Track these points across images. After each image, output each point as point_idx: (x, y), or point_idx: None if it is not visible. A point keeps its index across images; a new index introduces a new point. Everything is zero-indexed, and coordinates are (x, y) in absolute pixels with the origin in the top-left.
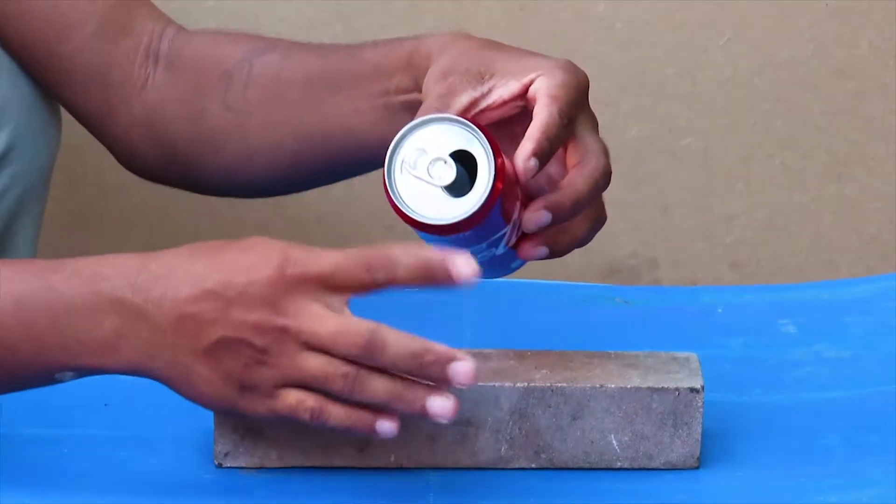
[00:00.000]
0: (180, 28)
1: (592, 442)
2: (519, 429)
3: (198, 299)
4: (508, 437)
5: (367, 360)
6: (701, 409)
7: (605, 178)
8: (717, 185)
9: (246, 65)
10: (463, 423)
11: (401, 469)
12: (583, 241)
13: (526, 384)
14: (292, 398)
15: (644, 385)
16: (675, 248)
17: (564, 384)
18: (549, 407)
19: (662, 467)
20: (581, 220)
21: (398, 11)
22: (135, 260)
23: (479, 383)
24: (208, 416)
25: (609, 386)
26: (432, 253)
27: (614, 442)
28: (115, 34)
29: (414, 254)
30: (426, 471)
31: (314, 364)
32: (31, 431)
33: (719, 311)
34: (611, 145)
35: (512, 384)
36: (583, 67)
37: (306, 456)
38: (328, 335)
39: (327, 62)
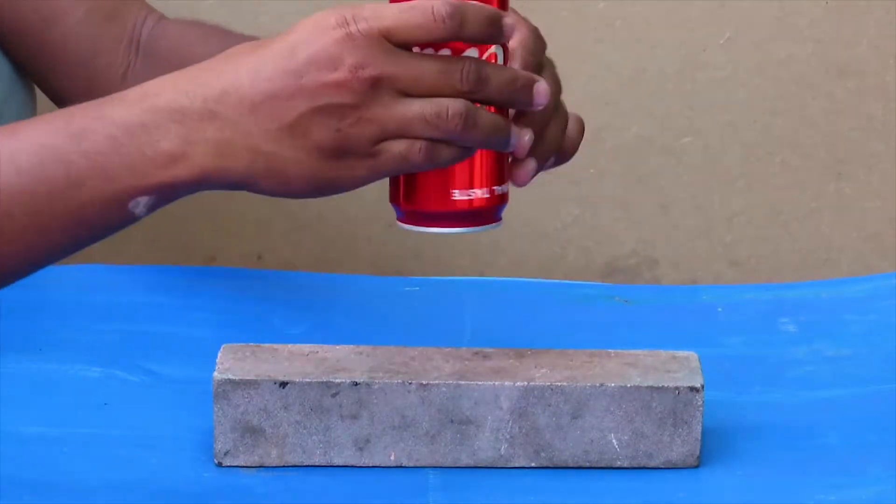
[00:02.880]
0: (161, 17)
1: (592, 441)
2: (519, 428)
3: (266, 81)
4: (508, 437)
5: (473, 94)
6: (701, 408)
7: (536, 43)
8: (717, 183)
9: None
10: (463, 421)
11: (401, 468)
12: (560, 146)
13: (526, 383)
14: (400, 146)
15: (644, 384)
16: (674, 247)
17: (564, 383)
18: (549, 406)
19: (662, 466)
20: (551, 126)
21: None
22: (179, 73)
23: (480, 382)
24: (208, 416)
25: (609, 385)
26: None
27: (614, 441)
28: (102, 20)
29: (488, 10)
30: (426, 470)
31: (421, 108)
32: (31, 431)
33: (719, 310)
34: (610, 144)
35: (512, 383)
36: (582, 66)
37: (306, 455)
38: (433, 75)
39: None
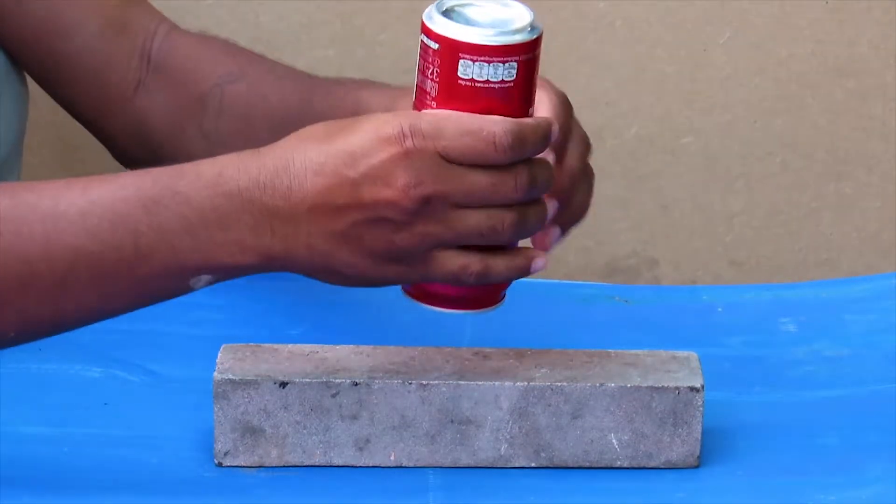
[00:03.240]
0: (172, 27)
1: (592, 441)
2: (519, 428)
3: (324, 186)
4: (508, 437)
5: (523, 200)
6: (701, 408)
7: (565, 112)
8: (717, 183)
9: (217, 91)
10: (463, 421)
11: (401, 468)
12: (586, 209)
13: (526, 383)
14: (454, 264)
15: (644, 384)
16: (674, 247)
17: (564, 383)
18: (549, 406)
19: (662, 466)
20: (578, 191)
21: (398, 11)
22: (252, 157)
23: (480, 382)
24: (208, 416)
25: (609, 385)
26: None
27: (614, 441)
28: (115, 34)
29: (544, 127)
30: (426, 470)
31: (476, 222)
32: (31, 431)
33: (719, 310)
34: (610, 144)
35: (512, 383)
36: (582, 66)
37: (306, 455)
38: (486, 189)
39: (293, 101)
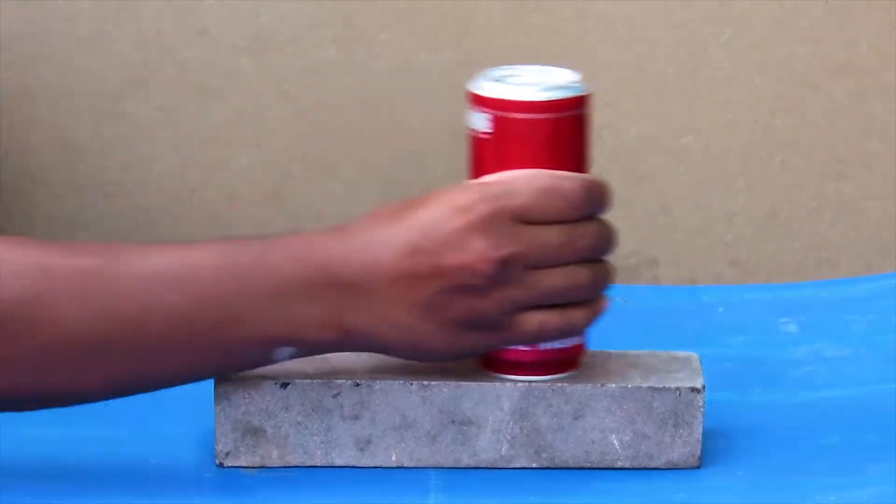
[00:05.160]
0: None
1: (593, 441)
2: (520, 428)
3: (402, 258)
4: (509, 437)
5: (595, 255)
6: (702, 409)
7: None
8: (717, 183)
9: None
10: (464, 422)
11: (401, 469)
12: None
13: (527, 384)
14: (533, 323)
15: (645, 385)
16: (674, 247)
17: (565, 384)
18: (550, 406)
19: (663, 467)
20: None
21: (398, 11)
22: (335, 234)
23: (481, 382)
24: (209, 416)
25: (610, 385)
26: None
27: (615, 441)
28: None
29: (607, 183)
30: (427, 470)
31: (554, 279)
32: (31, 431)
33: (720, 310)
34: (610, 144)
35: (513, 383)
36: (583, 66)
37: (307, 455)
38: (558, 247)
39: None
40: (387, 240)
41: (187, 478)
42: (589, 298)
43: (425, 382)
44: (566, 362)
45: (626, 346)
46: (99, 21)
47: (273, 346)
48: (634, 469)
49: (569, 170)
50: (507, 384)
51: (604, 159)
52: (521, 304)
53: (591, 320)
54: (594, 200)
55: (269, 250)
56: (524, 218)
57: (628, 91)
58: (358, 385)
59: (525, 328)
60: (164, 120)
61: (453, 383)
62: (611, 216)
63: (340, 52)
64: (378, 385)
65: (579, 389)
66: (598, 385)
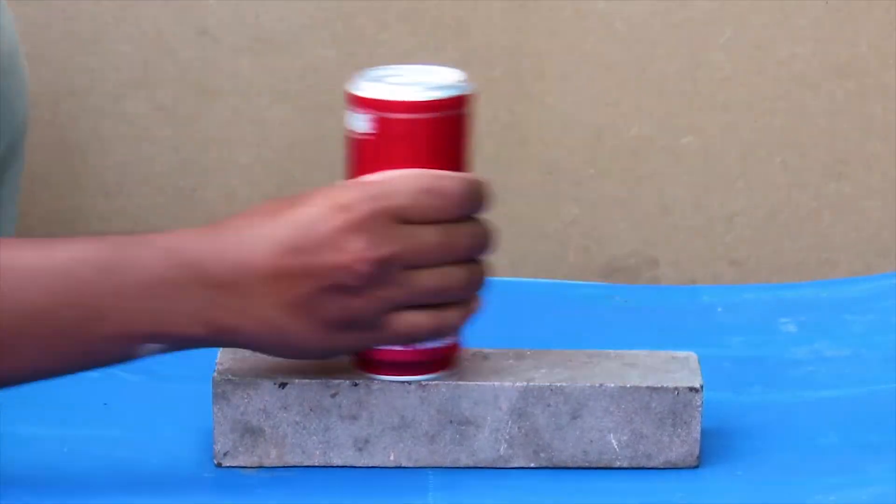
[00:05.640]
0: None
1: (592, 441)
2: (518, 428)
3: (277, 256)
4: (508, 437)
5: (472, 256)
6: (700, 409)
7: None
8: (717, 183)
9: None
10: (462, 422)
11: (400, 468)
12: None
13: (525, 383)
14: (407, 323)
15: (643, 384)
16: (674, 247)
17: (564, 383)
18: (549, 406)
19: (662, 466)
20: None
21: (398, 11)
22: (206, 231)
23: (479, 382)
24: (208, 416)
25: (608, 385)
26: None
27: (613, 441)
28: None
29: (487, 183)
30: (425, 470)
31: (430, 281)
32: (31, 431)
33: (719, 310)
34: (610, 144)
35: (511, 383)
36: (582, 66)
37: (306, 455)
38: (437, 248)
39: None
40: (262, 237)
41: (186, 477)
42: (464, 298)
43: (423, 382)
44: (440, 362)
45: (625, 345)
46: (99, 21)
47: (137, 342)
48: (633, 469)
49: (451, 169)
50: (506, 384)
51: (604, 159)
52: (395, 304)
53: (464, 320)
54: (474, 200)
55: (135, 246)
56: (404, 218)
57: (628, 91)
58: (356, 385)
59: (399, 328)
60: (164, 120)
61: (452, 383)
62: (610, 216)
63: (340, 52)
64: (376, 385)
65: (578, 389)
66: (597, 385)
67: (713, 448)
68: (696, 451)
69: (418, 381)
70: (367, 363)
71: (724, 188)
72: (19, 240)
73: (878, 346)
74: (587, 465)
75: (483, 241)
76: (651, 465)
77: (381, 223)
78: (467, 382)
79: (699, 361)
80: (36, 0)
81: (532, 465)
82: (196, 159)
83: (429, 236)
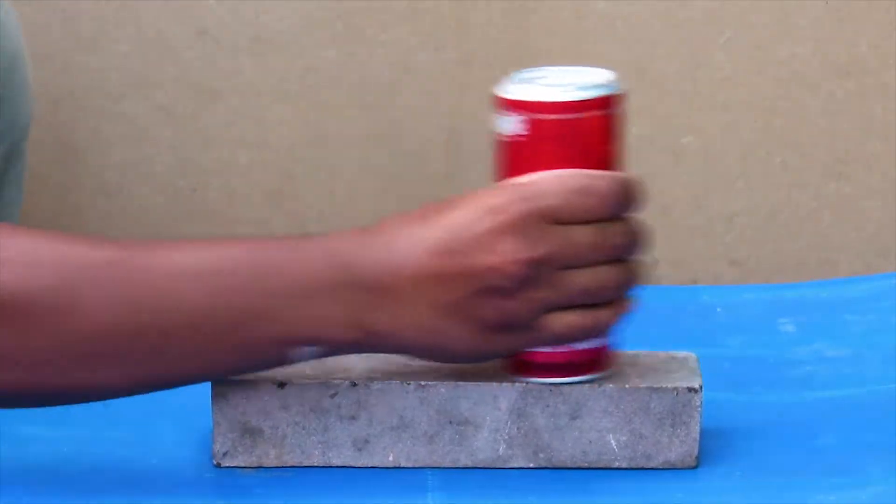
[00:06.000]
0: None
1: (591, 441)
2: (517, 428)
3: (430, 259)
4: (507, 437)
5: (626, 254)
6: (699, 409)
7: None
8: (717, 183)
9: None
10: (461, 422)
11: (399, 469)
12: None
13: (524, 384)
14: (561, 324)
15: (642, 384)
16: (674, 247)
17: (563, 383)
18: (548, 406)
19: (661, 467)
20: None
21: (398, 11)
22: (361, 234)
23: (478, 382)
24: (207, 416)
25: (607, 385)
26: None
27: (612, 441)
28: None
29: (640, 181)
30: (425, 470)
31: (583, 281)
32: (31, 431)
33: (718, 310)
34: None
35: (510, 383)
36: (582, 66)
37: (305, 455)
38: (589, 247)
39: None
40: (414, 240)
41: (185, 478)
42: (616, 298)
43: (423, 383)
44: (594, 363)
45: (626, 345)
46: (99, 21)
47: (293, 346)
48: (632, 469)
49: (602, 169)
50: (505, 384)
51: None
52: (549, 305)
53: (618, 320)
54: (626, 199)
55: (293, 249)
56: (556, 218)
57: (628, 91)
58: (355, 385)
59: (553, 329)
60: (164, 120)
61: (451, 383)
62: None
63: (340, 52)
64: (376, 385)
65: (577, 389)
66: (596, 385)
67: (712, 448)
68: (696, 452)
69: (418, 382)
70: (521, 366)
71: (724, 188)
72: (180, 241)
73: (878, 346)
74: (586, 465)
75: (635, 240)
76: (650, 465)
77: (533, 224)
78: (466, 383)
79: (698, 361)
80: (36, 0)
81: (531, 465)
82: (196, 159)
83: (581, 236)
